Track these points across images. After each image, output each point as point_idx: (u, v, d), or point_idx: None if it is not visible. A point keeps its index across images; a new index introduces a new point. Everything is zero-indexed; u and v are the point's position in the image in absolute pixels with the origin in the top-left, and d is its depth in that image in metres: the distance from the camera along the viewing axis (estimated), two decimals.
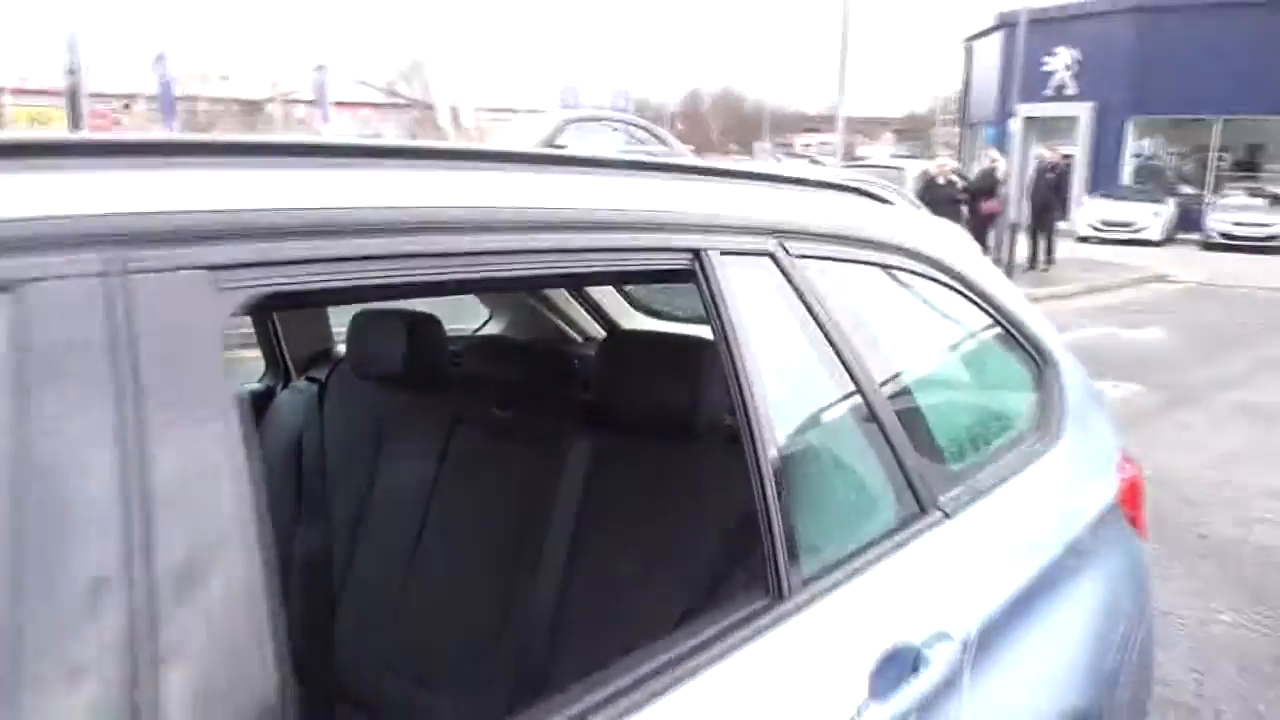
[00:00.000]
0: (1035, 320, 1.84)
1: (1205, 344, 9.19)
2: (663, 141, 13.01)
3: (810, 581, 1.14)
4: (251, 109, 58.84)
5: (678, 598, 1.41)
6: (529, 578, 1.65)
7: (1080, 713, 1.48)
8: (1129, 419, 5.70)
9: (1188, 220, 21.04)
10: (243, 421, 0.72)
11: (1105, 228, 20.11)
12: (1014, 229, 13.34)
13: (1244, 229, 19.31)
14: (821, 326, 1.28)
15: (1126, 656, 1.65)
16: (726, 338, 1.13)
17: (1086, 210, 20.71)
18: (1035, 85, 22.36)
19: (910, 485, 1.34)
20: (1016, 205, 13.70)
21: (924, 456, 1.39)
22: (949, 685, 1.23)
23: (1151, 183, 23.14)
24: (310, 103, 40.32)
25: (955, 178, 12.53)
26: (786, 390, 1.24)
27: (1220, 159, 24.01)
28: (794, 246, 1.29)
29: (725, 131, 62.23)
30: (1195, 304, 12.17)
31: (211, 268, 0.73)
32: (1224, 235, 19.39)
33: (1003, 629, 1.36)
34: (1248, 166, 23.65)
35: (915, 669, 1.19)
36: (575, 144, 11.55)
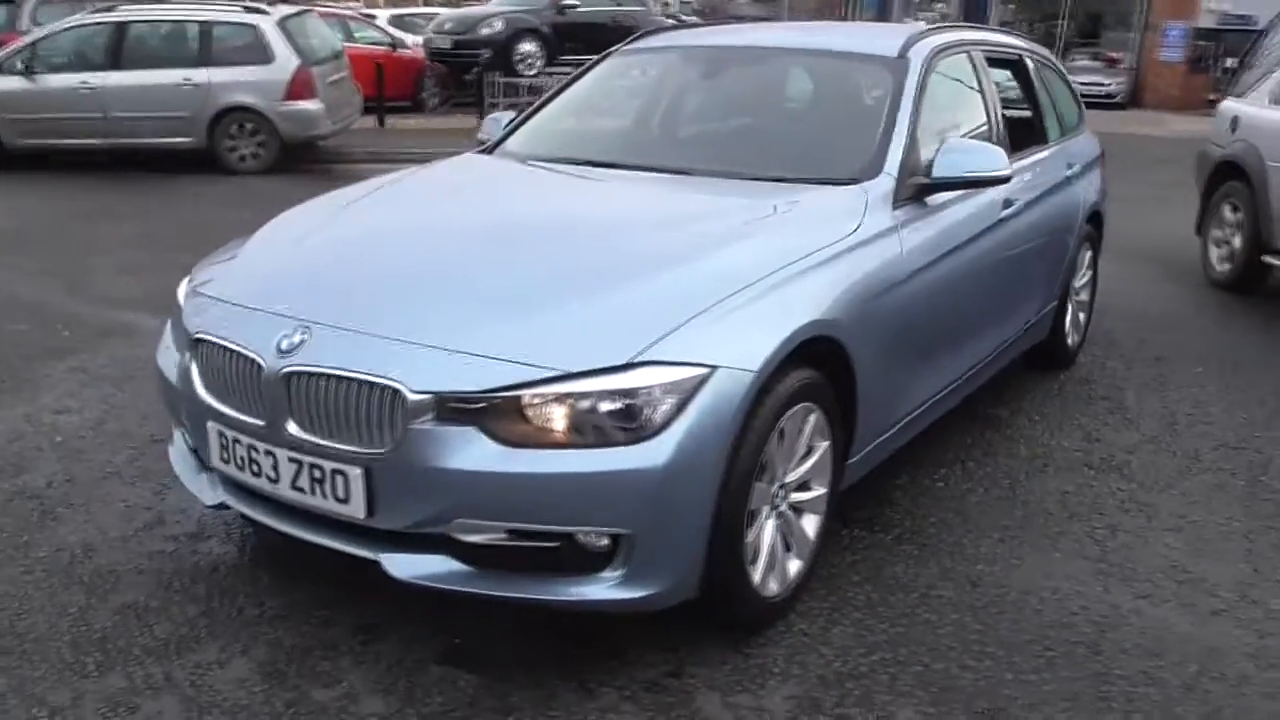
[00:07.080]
0: (1077, 94, 5.06)
1: None
2: None
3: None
4: None
5: None
6: None
7: (1097, 202, 4.81)
8: None
9: None
10: None
11: None
12: None
13: (1086, 88, 23.04)
14: (1042, 81, 4.44)
15: (1103, 192, 4.96)
16: (1030, 84, 4.29)
17: None
18: None
19: (1065, 131, 4.59)
20: None
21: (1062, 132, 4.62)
22: (1068, 179, 4.43)
23: None
24: None
25: None
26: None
27: (1068, 27, 27.83)
28: (1034, 58, 4.47)
29: None
30: None
31: None
32: None
33: (1080, 172, 4.60)
34: (1090, 34, 27.59)
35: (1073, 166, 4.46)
36: None
